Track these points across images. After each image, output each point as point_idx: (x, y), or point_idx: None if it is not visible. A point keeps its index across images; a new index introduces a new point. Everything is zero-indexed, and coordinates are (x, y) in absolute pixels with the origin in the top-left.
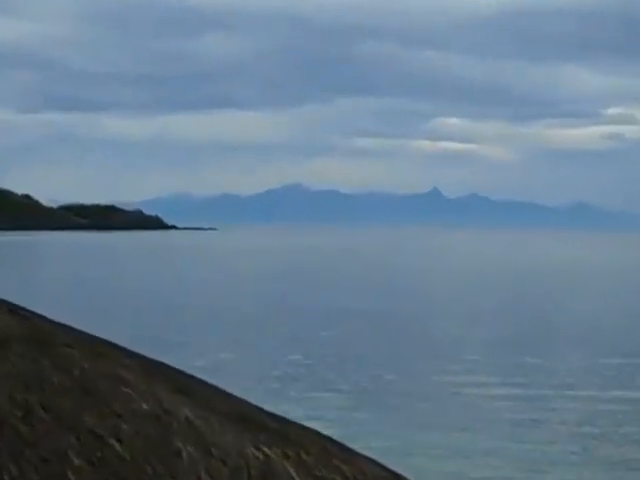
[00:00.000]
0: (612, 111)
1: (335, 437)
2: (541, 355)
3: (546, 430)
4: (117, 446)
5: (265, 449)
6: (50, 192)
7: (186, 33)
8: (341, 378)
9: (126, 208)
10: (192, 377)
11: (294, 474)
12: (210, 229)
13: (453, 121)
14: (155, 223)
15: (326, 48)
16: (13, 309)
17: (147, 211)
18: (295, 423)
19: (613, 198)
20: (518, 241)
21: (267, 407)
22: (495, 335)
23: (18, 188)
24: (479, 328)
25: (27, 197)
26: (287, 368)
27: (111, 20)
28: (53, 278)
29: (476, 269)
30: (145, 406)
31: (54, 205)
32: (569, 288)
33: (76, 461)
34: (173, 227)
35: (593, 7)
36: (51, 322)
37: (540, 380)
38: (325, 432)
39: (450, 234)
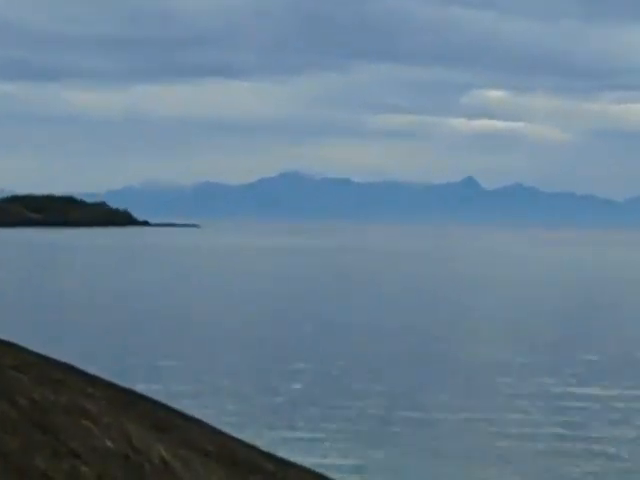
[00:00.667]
0: None
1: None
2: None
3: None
4: None
5: None
6: None
7: None
8: (346, 406)
9: (88, 200)
10: (171, 409)
11: None
12: (190, 225)
13: (494, 94)
14: (123, 218)
15: (338, 4)
16: None
17: (114, 204)
18: (294, 464)
19: None
20: (581, 243)
21: (261, 444)
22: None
23: None
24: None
25: None
26: (278, 393)
27: None
28: None
29: (519, 277)
30: (110, 444)
31: None
32: None
33: None
34: (145, 223)
35: None
36: None
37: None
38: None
39: (489, 233)
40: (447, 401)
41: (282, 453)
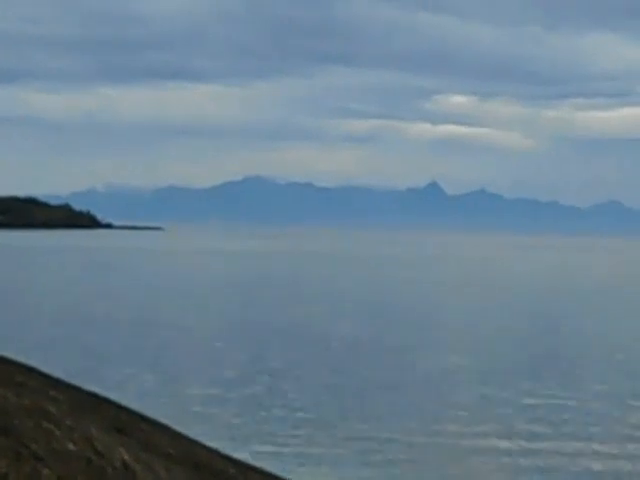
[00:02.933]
0: None
1: None
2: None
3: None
4: None
5: None
6: None
7: None
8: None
9: (51, 202)
10: (133, 413)
11: None
12: (154, 228)
13: (458, 99)
14: (87, 220)
15: (304, 7)
16: None
17: (77, 206)
18: (256, 468)
19: None
20: (540, 248)
21: (222, 448)
22: (515, 369)
23: None
24: (489, 360)
25: None
26: (239, 397)
27: None
28: None
29: (481, 282)
30: (72, 446)
31: None
32: (615, 309)
33: None
34: (108, 226)
35: None
36: None
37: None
38: None
39: (452, 238)
40: (408, 412)
41: (243, 457)
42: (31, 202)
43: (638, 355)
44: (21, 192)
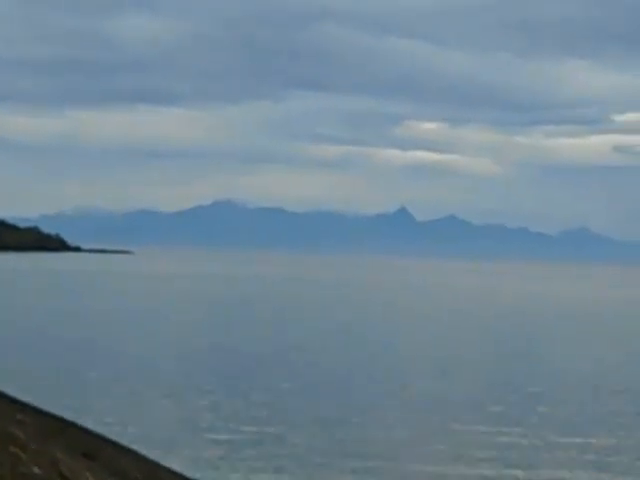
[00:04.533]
0: (624, 117)
1: None
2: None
3: None
4: None
5: None
6: None
7: (103, 10)
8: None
9: (20, 224)
10: (100, 437)
11: None
12: (123, 252)
13: (428, 126)
14: (55, 243)
15: (274, 33)
16: None
17: (46, 229)
18: None
19: (623, 225)
20: (508, 274)
21: (188, 472)
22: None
23: None
24: (460, 387)
25: None
26: (204, 420)
27: None
28: None
29: (449, 308)
30: (38, 470)
31: None
32: (579, 336)
33: None
34: (77, 249)
35: None
36: None
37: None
38: None
39: (420, 264)
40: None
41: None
42: None
43: (600, 380)
44: None
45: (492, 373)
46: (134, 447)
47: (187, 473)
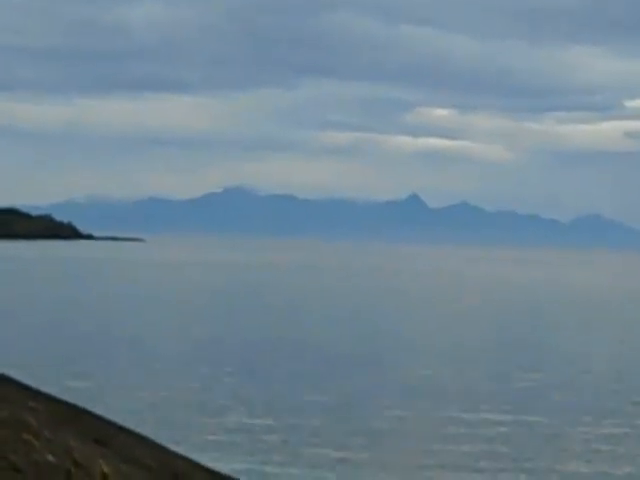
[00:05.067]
0: (635, 103)
1: None
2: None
3: None
4: None
5: None
6: None
7: None
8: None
9: (32, 213)
10: (113, 424)
11: None
12: (135, 239)
13: (439, 112)
14: (67, 231)
15: (284, 20)
16: None
17: (58, 217)
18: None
19: (635, 211)
20: (520, 261)
21: (202, 459)
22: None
23: None
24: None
25: None
26: (218, 408)
27: None
28: None
29: (464, 297)
30: (51, 458)
31: None
32: (590, 323)
33: None
34: (89, 237)
35: None
36: None
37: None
38: None
39: (432, 251)
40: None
41: (223, 469)
42: (12, 213)
43: (608, 369)
44: (1, 203)
45: (501, 361)
46: (146, 434)
47: (199, 459)
